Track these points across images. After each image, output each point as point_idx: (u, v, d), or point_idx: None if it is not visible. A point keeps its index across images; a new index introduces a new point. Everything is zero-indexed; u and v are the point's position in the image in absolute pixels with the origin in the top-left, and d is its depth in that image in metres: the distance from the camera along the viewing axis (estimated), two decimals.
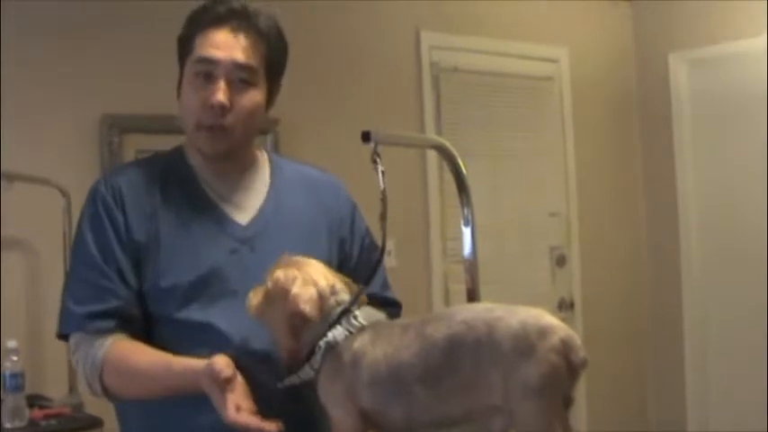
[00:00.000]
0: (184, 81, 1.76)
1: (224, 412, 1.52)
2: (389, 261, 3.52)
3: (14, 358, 2.85)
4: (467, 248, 2.12)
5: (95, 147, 3.44)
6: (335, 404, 1.50)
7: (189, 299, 1.70)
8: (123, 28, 3.50)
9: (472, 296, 2.11)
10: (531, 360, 1.34)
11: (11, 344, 2.87)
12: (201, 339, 1.66)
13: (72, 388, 3.18)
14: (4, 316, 3.13)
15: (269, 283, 1.56)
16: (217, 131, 1.73)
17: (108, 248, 1.72)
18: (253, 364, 1.62)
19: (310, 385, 1.55)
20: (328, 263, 1.76)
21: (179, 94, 1.79)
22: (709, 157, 4.96)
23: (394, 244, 3.97)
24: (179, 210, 1.76)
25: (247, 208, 1.81)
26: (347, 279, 1.61)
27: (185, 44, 1.76)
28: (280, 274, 1.55)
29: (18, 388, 2.84)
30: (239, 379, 1.55)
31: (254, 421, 1.50)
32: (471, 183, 2.11)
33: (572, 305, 4.87)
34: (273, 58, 1.79)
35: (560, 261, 4.87)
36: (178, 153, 1.85)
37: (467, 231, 2.11)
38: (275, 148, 3.67)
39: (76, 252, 1.77)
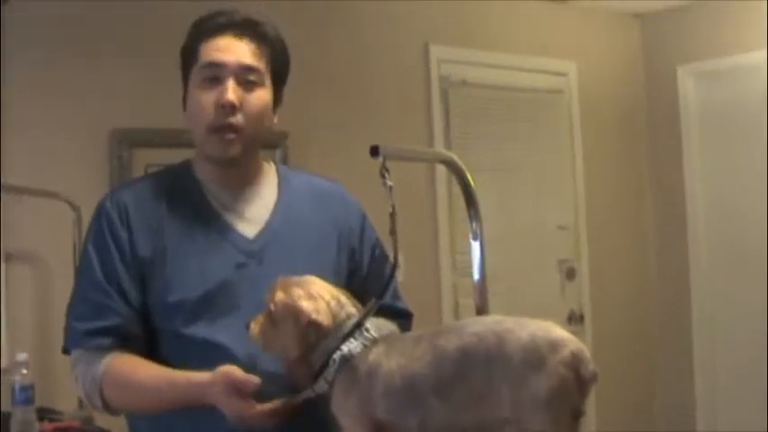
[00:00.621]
0: (191, 89, 1.76)
1: (246, 411, 1.54)
2: (398, 275, 3.52)
3: (24, 371, 2.84)
4: (476, 262, 2.12)
5: (105, 161, 3.46)
6: (349, 416, 1.50)
7: (196, 314, 1.70)
8: (133, 43, 3.52)
9: (481, 310, 2.11)
10: (541, 373, 1.34)
11: (21, 357, 2.87)
12: (208, 357, 1.66)
13: (82, 401, 3.18)
14: (15, 329, 3.14)
15: (271, 306, 1.55)
16: (229, 132, 1.73)
17: (110, 266, 1.72)
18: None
19: (320, 399, 1.55)
20: (338, 273, 1.76)
21: (185, 106, 1.79)
22: (718, 169, 4.96)
23: (403, 257, 3.93)
24: (185, 224, 1.76)
25: (254, 221, 1.80)
26: (348, 293, 1.61)
27: (189, 55, 1.77)
28: (281, 295, 1.55)
29: (28, 401, 2.84)
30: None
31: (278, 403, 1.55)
32: (480, 196, 2.11)
33: (581, 318, 4.86)
34: (278, 65, 1.80)
35: (569, 274, 4.87)
36: (186, 167, 1.85)
37: (476, 245, 2.11)
38: (284, 162, 3.67)
39: (80, 269, 1.79)
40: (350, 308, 1.56)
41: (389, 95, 4.25)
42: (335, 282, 1.72)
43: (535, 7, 4.80)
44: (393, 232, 1.64)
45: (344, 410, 1.51)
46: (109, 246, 1.73)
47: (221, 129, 1.72)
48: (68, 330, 1.75)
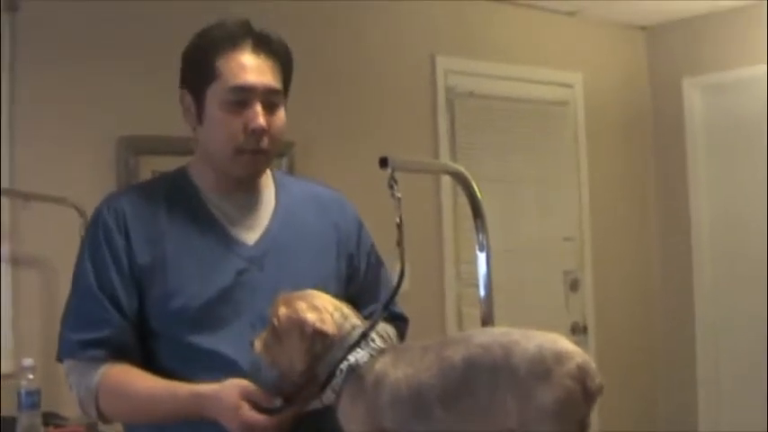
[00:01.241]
0: (213, 108, 1.73)
1: (256, 424, 1.54)
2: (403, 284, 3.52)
3: (30, 376, 2.85)
4: (482, 274, 2.12)
5: (112, 167, 3.47)
6: (356, 425, 1.50)
7: (198, 322, 1.70)
8: (141, 50, 3.54)
9: (487, 321, 2.12)
10: (547, 385, 1.34)
11: (27, 362, 2.87)
12: (209, 365, 1.66)
13: None
14: (22, 334, 3.14)
15: (274, 321, 1.55)
16: (259, 155, 1.74)
17: (105, 276, 1.71)
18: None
19: (327, 410, 1.55)
20: (338, 279, 1.77)
21: (200, 120, 1.76)
22: (723, 181, 4.96)
23: (407, 267, 3.96)
24: (185, 230, 1.75)
25: (254, 227, 1.80)
26: (350, 305, 1.61)
27: (202, 68, 1.73)
28: (284, 310, 1.54)
29: (34, 406, 2.85)
30: None
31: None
32: (485, 207, 2.11)
33: (585, 329, 4.86)
34: (287, 77, 1.81)
35: (574, 285, 4.87)
36: (182, 173, 1.84)
37: (481, 256, 2.11)
38: (290, 171, 3.68)
39: (75, 277, 1.78)
40: (354, 319, 1.57)
41: (396, 106, 4.26)
42: (337, 287, 1.74)
43: (541, 19, 4.81)
44: (400, 243, 1.64)
45: (351, 420, 1.51)
46: (104, 255, 1.72)
47: (251, 152, 1.73)
48: (62, 340, 1.75)
